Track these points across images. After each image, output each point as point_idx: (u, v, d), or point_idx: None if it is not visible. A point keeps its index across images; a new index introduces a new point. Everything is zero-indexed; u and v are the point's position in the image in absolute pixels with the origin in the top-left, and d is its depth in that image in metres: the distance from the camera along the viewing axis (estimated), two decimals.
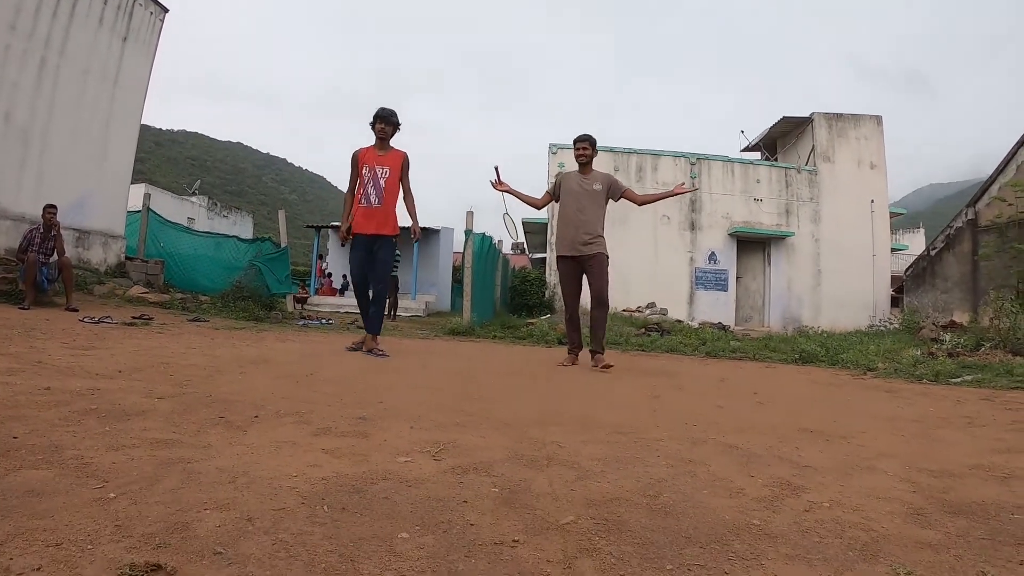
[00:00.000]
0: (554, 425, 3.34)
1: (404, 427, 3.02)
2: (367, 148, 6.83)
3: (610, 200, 7.10)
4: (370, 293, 6.87)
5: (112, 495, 1.82)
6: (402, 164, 6.80)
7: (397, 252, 18.75)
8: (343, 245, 6.87)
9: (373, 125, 6.78)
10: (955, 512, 2.15)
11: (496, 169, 7.21)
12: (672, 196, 7.15)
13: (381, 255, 6.81)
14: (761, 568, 1.62)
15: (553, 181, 7.31)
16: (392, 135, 6.83)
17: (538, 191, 7.71)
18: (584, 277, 7.03)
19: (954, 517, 2.09)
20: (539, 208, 7.37)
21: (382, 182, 6.70)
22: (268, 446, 2.49)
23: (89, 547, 1.47)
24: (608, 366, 6.46)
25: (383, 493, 2.02)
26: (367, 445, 2.62)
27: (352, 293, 25.52)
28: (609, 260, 6.97)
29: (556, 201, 7.24)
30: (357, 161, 6.77)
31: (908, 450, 3.15)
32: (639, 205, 7.37)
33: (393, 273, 18.24)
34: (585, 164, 7.08)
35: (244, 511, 1.77)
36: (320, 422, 2.99)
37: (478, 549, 1.64)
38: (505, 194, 7.29)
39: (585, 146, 7.00)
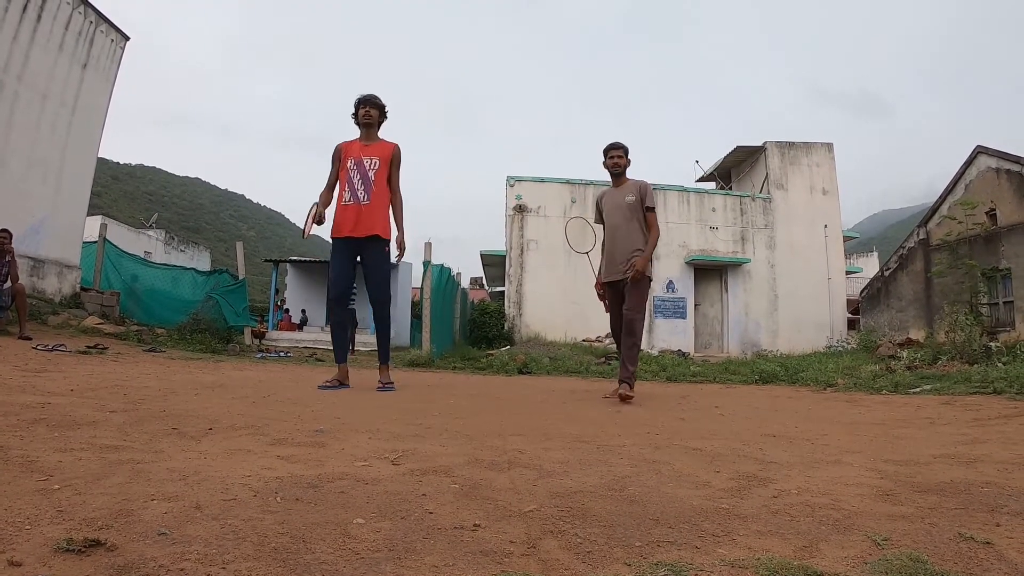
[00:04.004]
0: (515, 436, 3.29)
1: (362, 438, 2.94)
2: (351, 141, 5.90)
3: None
4: (350, 316, 6.05)
5: (56, 487, 1.76)
6: (392, 157, 5.82)
7: (354, 286, 18.52)
8: (304, 236, 5.82)
9: (356, 114, 5.86)
10: (925, 491, 2.14)
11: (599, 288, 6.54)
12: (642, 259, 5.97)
13: (373, 262, 5.81)
14: (733, 543, 1.58)
15: (594, 207, 6.55)
16: (380, 122, 5.91)
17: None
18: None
19: (924, 495, 2.08)
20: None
21: (371, 175, 5.70)
22: (222, 453, 2.41)
23: (27, 528, 1.42)
24: (627, 397, 5.54)
25: (339, 489, 1.95)
26: (324, 453, 2.54)
27: (311, 328, 25.47)
28: (649, 280, 6.10)
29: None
30: (340, 155, 5.83)
31: (872, 447, 3.15)
32: (651, 243, 6.15)
33: (351, 307, 18.01)
34: (619, 175, 6.27)
35: (193, 501, 1.70)
36: (276, 434, 2.90)
37: (437, 533, 1.58)
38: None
39: (619, 154, 6.22)
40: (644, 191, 6.08)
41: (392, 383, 5.90)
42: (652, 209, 6.09)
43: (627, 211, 6.10)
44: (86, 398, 3.67)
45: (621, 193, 6.20)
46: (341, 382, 5.72)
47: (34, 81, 12.12)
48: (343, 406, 4.28)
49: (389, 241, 5.82)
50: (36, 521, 1.46)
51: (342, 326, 6.07)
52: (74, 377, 4.79)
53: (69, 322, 10.94)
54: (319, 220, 5.71)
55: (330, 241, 5.85)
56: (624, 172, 6.26)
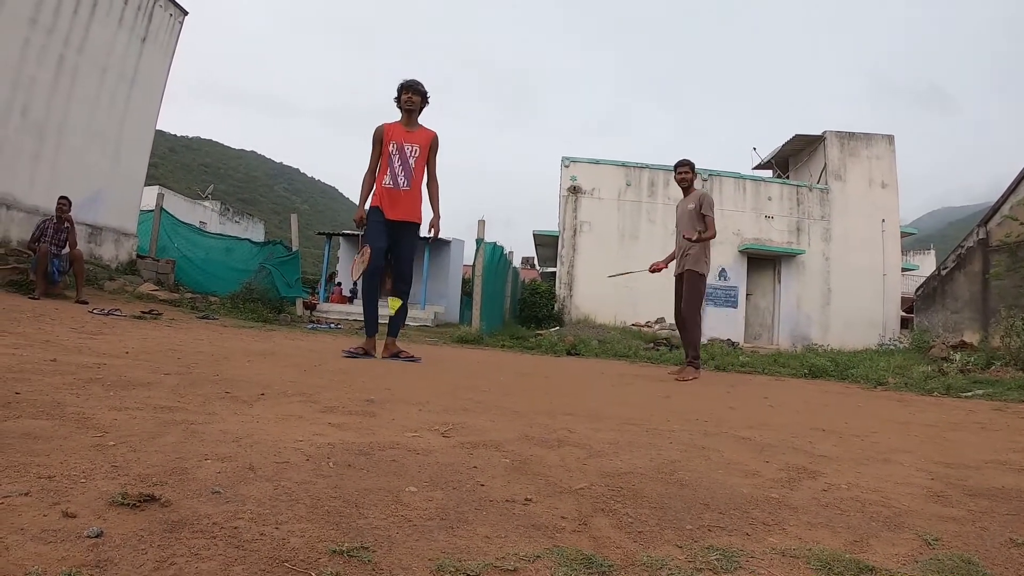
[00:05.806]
0: (564, 415, 3.29)
1: (412, 410, 2.97)
2: (393, 123, 6.06)
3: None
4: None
5: (111, 443, 1.80)
6: (431, 144, 6.09)
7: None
8: (359, 228, 6.00)
9: (398, 98, 6.03)
10: (976, 495, 2.10)
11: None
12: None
13: (406, 245, 6.05)
14: (783, 532, 1.57)
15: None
16: (421, 108, 6.11)
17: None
18: None
19: (975, 498, 2.05)
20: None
21: (411, 161, 5.95)
22: (274, 418, 2.45)
23: (82, 481, 1.45)
24: (685, 379, 6.57)
25: (390, 457, 1.97)
26: (374, 423, 2.57)
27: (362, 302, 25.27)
28: (702, 276, 7.13)
29: None
30: (382, 137, 5.97)
31: (923, 447, 3.09)
32: (698, 236, 7.06)
33: None
34: (687, 187, 7.36)
35: (246, 463, 1.73)
36: (327, 402, 2.94)
37: (489, 505, 1.60)
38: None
39: (684, 170, 7.32)
40: (701, 200, 7.12)
41: (413, 356, 6.13)
42: (705, 216, 7.08)
43: (689, 216, 7.15)
44: (140, 360, 3.76)
45: (687, 201, 7.27)
46: (366, 351, 5.92)
47: (94, 55, 12.31)
48: (392, 378, 4.32)
49: (420, 225, 6.17)
50: (91, 475, 1.50)
51: (374, 300, 6.11)
52: (129, 340, 4.91)
53: (125, 288, 11.17)
54: (362, 218, 6.00)
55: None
56: (691, 185, 7.34)
